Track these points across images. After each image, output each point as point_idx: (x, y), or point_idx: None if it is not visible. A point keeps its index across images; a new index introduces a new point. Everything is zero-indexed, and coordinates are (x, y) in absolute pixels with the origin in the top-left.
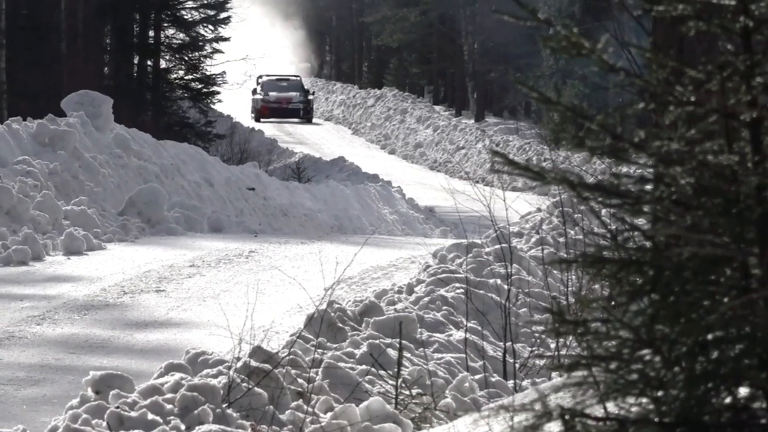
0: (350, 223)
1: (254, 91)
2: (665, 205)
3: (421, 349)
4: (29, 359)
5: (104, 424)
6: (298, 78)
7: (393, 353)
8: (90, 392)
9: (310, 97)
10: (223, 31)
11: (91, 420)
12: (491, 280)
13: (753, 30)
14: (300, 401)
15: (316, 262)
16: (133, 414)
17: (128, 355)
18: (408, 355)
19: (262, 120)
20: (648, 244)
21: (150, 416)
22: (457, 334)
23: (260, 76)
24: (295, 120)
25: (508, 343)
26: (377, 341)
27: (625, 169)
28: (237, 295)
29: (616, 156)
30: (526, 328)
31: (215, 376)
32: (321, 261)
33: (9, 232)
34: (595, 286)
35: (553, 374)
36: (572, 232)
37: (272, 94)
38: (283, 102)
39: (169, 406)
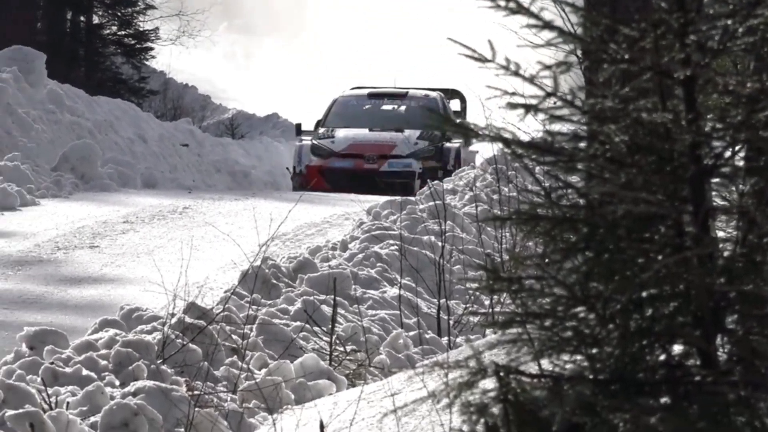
0: (284, 179)
1: (301, 129)
2: (599, 163)
3: (356, 305)
4: None
5: (39, 379)
6: (433, 97)
7: (327, 310)
8: (24, 348)
9: (449, 144)
10: None
11: (26, 375)
12: (425, 237)
13: None
14: (234, 357)
15: (250, 218)
16: (67, 370)
17: (62, 311)
18: (342, 311)
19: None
20: (582, 201)
21: (84, 372)
22: (391, 291)
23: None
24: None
25: (442, 300)
26: (311, 298)
27: (558, 127)
28: (171, 252)
29: (551, 113)
30: (460, 285)
31: (150, 332)
32: (255, 217)
33: None
34: (529, 244)
35: (488, 331)
36: (506, 189)
37: (346, 135)
38: (373, 152)
39: (103, 362)
